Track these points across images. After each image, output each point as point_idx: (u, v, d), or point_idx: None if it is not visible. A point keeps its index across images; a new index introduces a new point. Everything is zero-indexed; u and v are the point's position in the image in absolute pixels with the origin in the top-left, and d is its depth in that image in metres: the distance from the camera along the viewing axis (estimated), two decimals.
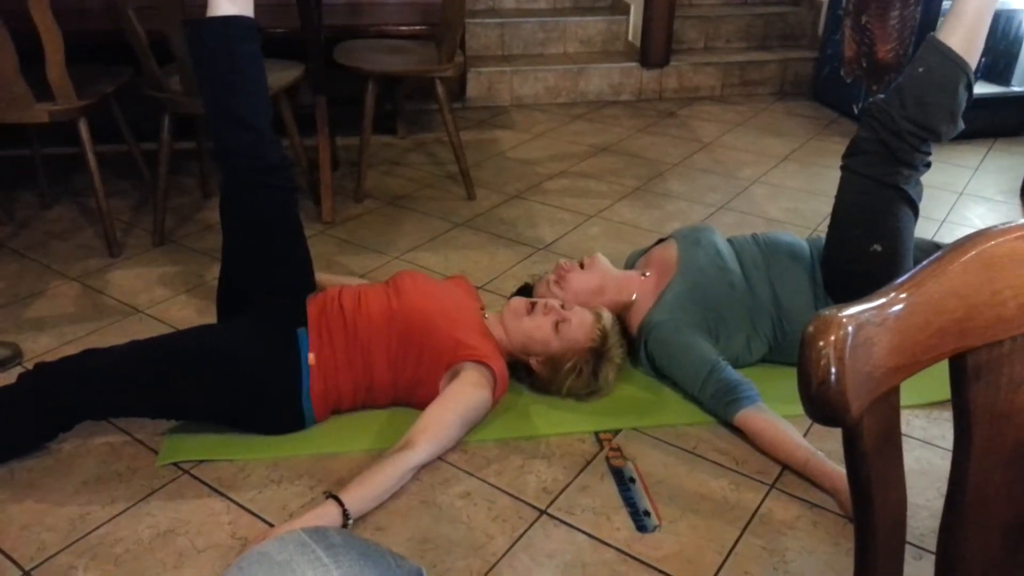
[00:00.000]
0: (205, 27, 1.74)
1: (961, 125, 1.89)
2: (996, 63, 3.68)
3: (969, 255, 0.68)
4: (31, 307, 2.21)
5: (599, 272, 2.00)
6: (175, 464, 1.66)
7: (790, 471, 1.66)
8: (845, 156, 1.95)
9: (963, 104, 1.86)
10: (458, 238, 2.66)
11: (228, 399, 1.67)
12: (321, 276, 2.31)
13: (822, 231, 2.71)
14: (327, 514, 1.43)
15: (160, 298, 2.26)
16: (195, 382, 1.65)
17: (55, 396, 1.62)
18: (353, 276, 2.38)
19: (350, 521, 1.45)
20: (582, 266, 2.00)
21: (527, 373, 1.87)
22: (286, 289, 1.82)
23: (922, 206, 2.90)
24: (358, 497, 1.48)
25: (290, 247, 1.85)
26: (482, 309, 1.94)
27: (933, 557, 1.46)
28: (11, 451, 1.66)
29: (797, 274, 1.95)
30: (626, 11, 4.17)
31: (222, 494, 1.59)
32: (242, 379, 1.66)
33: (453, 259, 2.51)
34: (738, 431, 1.75)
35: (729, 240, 2.08)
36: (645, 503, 1.58)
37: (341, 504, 1.44)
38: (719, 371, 1.77)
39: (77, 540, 1.48)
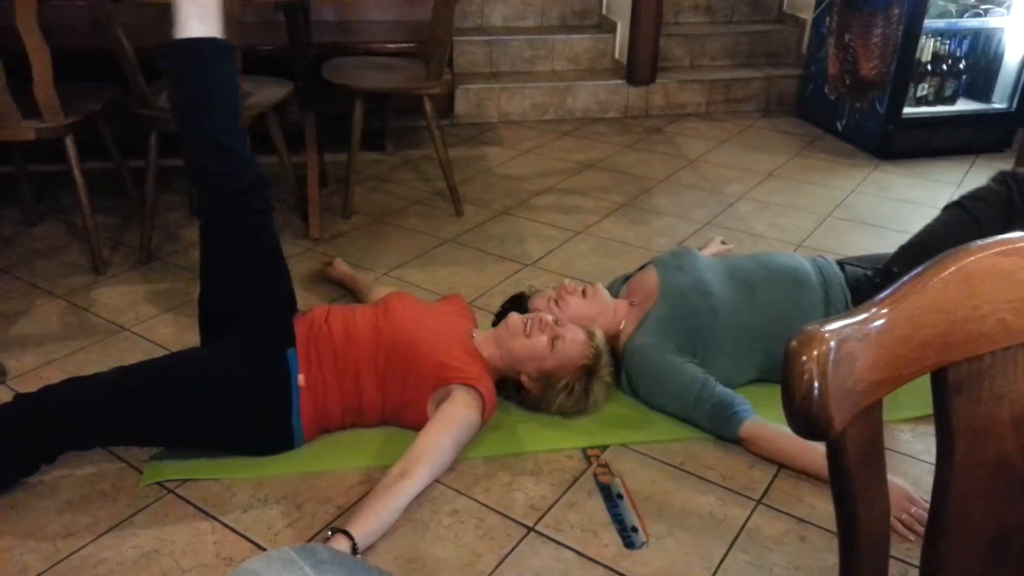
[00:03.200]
0: (177, 49, 1.73)
1: None
2: (976, 80, 3.73)
3: (949, 270, 0.69)
4: (16, 325, 2.19)
5: (599, 303, 1.99)
6: (159, 484, 1.65)
7: (797, 476, 1.67)
8: (967, 198, 2.02)
9: None
10: (446, 254, 2.66)
11: (219, 424, 1.66)
12: (340, 266, 2.45)
13: (807, 246, 2.74)
14: (339, 548, 1.42)
15: (146, 316, 2.25)
16: (184, 409, 1.63)
17: (38, 430, 1.57)
18: (368, 275, 2.42)
19: (359, 555, 1.44)
20: (584, 293, 2.00)
21: (516, 390, 1.86)
22: (268, 310, 1.82)
23: (904, 222, 2.95)
24: (367, 530, 1.46)
25: (269, 268, 1.85)
26: (474, 328, 1.94)
27: (918, 572, 1.47)
28: None
29: (801, 298, 1.94)
30: (612, 29, 4.21)
31: (207, 514, 1.58)
32: (233, 403, 1.65)
33: (441, 275, 2.52)
34: (733, 446, 1.76)
35: (727, 260, 2.07)
36: (633, 519, 1.58)
37: (351, 538, 1.43)
38: (711, 388, 1.78)
39: (60, 561, 1.46)
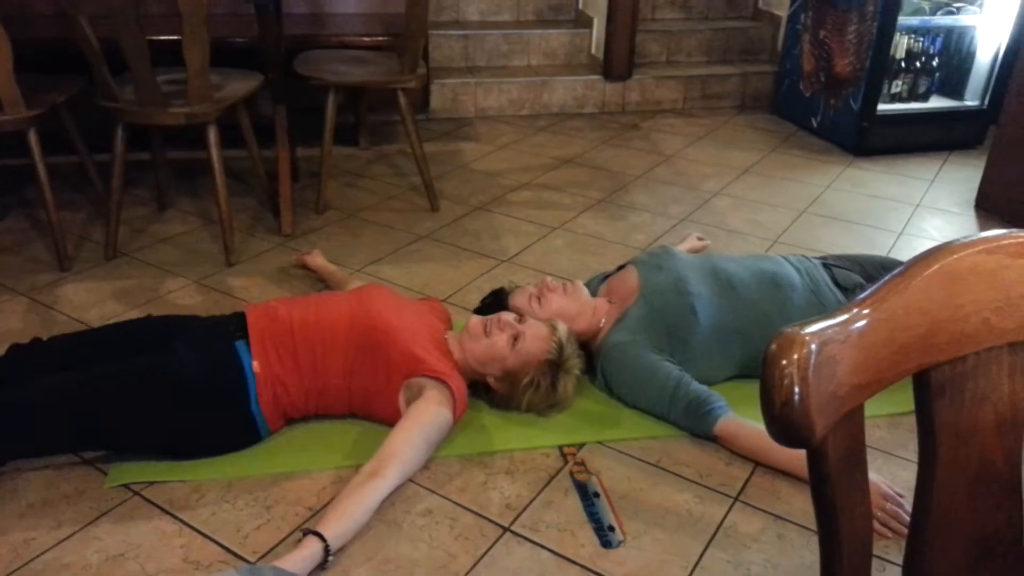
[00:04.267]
0: None
1: None
2: (950, 77, 3.76)
3: (932, 269, 0.67)
4: None
5: (580, 300, 1.98)
6: (125, 486, 1.60)
7: (773, 473, 1.67)
8: None
9: None
10: (421, 250, 2.63)
11: (179, 425, 1.62)
12: (317, 258, 2.40)
13: (783, 242, 2.74)
14: (310, 551, 1.39)
15: (112, 313, 2.19)
16: (142, 415, 1.60)
17: None
18: (344, 270, 2.39)
19: (331, 557, 1.41)
20: (565, 290, 1.98)
21: (486, 391, 1.84)
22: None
23: (879, 218, 2.97)
24: (338, 531, 1.43)
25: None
26: (447, 331, 1.92)
27: (898, 569, 1.46)
28: None
29: (783, 299, 1.93)
30: (589, 24, 4.19)
31: (174, 516, 1.54)
32: (189, 401, 1.61)
33: (416, 272, 2.48)
34: (710, 443, 1.75)
35: (708, 259, 2.06)
36: (609, 518, 1.56)
37: (323, 539, 1.40)
38: (686, 385, 1.77)
39: (21, 566, 1.42)
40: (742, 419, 1.73)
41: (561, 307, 1.93)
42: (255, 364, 1.66)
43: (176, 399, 1.61)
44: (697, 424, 1.75)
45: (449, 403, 1.67)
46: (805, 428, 0.60)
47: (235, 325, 1.73)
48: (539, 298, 1.95)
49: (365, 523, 1.50)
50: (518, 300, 1.97)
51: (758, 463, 1.71)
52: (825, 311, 1.93)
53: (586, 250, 2.66)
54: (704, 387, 1.78)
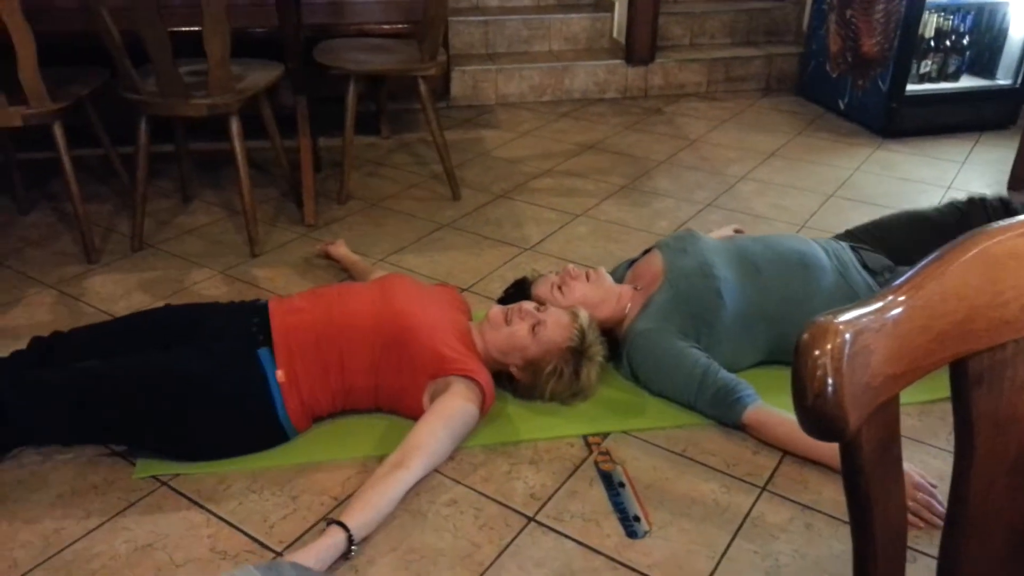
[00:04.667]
0: None
1: None
2: (980, 56, 3.67)
3: (970, 254, 0.65)
4: (7, 315, 2.16)
5: (603, 287, 1.96)
6: (153, 476, 1.62)
7: (801, 462, 1.65)
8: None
9: None
10: (443, 239, 2.62)
11: (208, 433, 1.63)
12: (341, 247, 2.38)
13: (810, 226, 2.70)
14: (334, 542, 1.39)
15: (139, 304, 2.21)
16: (167, 420, 1.60)
17: (11, 421, 1.56)
18: (365, 260, 2.38)
19: (355, 547, 1.41)
20: (588, 278, 1.97)
21: (509, 381, 1.83)
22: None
23: (909, 201, 2.91)
24: (362, 521, 1.43)
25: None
26: (468, 321, 1.90)
27: (926, 559, 1.44)
28: None
29: (810, 280, 1.89)
30: (610, 8, 4.14)
31: (201, 506, 1.55)
32: (217, 411, 1.61)
33: (439, 260, 2.48)
34: (737, 432, 1.73)
35: (733, 242, 2.03)
36: (635, 508, 1.55)
37: (346, 529, 1.40)
38: (714, 373, 1.75)
39: (51, 556, 1.44)
40: (771, 407, 1.71)
41: (584, 295, 1.92)
42: (279, 374, 1.65)
43: (202, 407, 1.61)
44: (725, 413, 1.73)
45: (476, 398, 1.66)
46: (839, 420, 0.58)
47: (258, 327, 1.71)
48: (561, 287, 1.94)
49: (389, 513, 1.50)
50: (540, 289, 1.96)
51: (787, 452, 1.68)
52: (854, 294, 1.92)
53: (609, 237, 2.64)
54: (732, 375, 1.76)
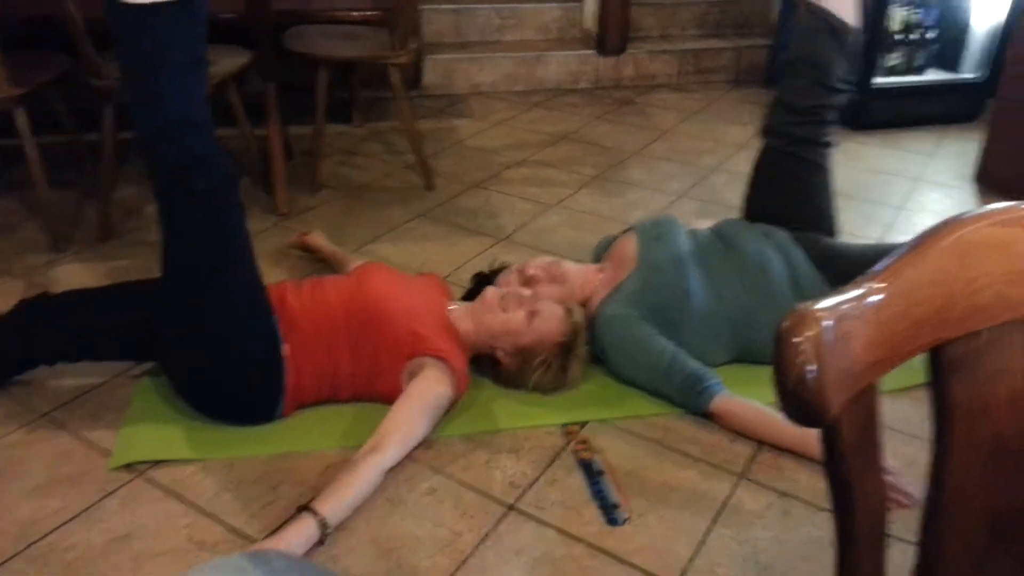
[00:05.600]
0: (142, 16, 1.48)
1: None
2: (946, 50, 3.74)
3: (946, 242, 0.67)
4: None
5: (566, 284, 1.95)
6: (129, 466, 1.60)
7: (778, 449, 1.68)
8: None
9: None
10: (417, 228, 2.62)
11: (214, 374, 1.63)
12: (317, 238, 2.37)
13: None
14: (305, 528, 1.39)
15: None
16: (188, 329, 1.62)
17: (32, 332, 1.71)
18: (343, 250, 2.36)
19: (329, 531, 1.41)
20: (550, 276, 1.95)
21: (492, 366, 1.84)
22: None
23: (878, 192, 2.96)
24: (335, 506, 1.43)
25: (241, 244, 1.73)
26: (449, 303, 1.90)
27: (902, 545, 1.47)
28: None
29: (768, 282, 1.90)
30: None
31: (179, 496, 1.54)
32: (235, 356, 1.62)
33: (413, 250, 2.47)
34: (707, 420, 1.75)
35: (697, 236, 2.03)
36: (614, 496, 1.57)
37: (317, 515, 1.40)
38: (680, 361, 1.77)
39: (28, 547, 1.42)
40: (739, 397, 1.73)
41: (550, 296, 1.89)
42: (286, 348, 1.65)
43: (220, 351, 1.61)
44: (692, 401, 1.75)
45: (449, 381, 1.67)
46: (819, 406, 0.59)
47: (268, 298, 1.70)
48: (526, 284, 1.91)
49: (364, 498, 1.50)
50: (507, 280, 1.96)
51: (755, 440, 1.71)
52: (804, 294, 1.92)
53: (583, 227, 2.65)
54: (700, 364, 1.78)
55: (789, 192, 2.12)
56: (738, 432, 1.72)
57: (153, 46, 1.49)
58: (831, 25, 2.00)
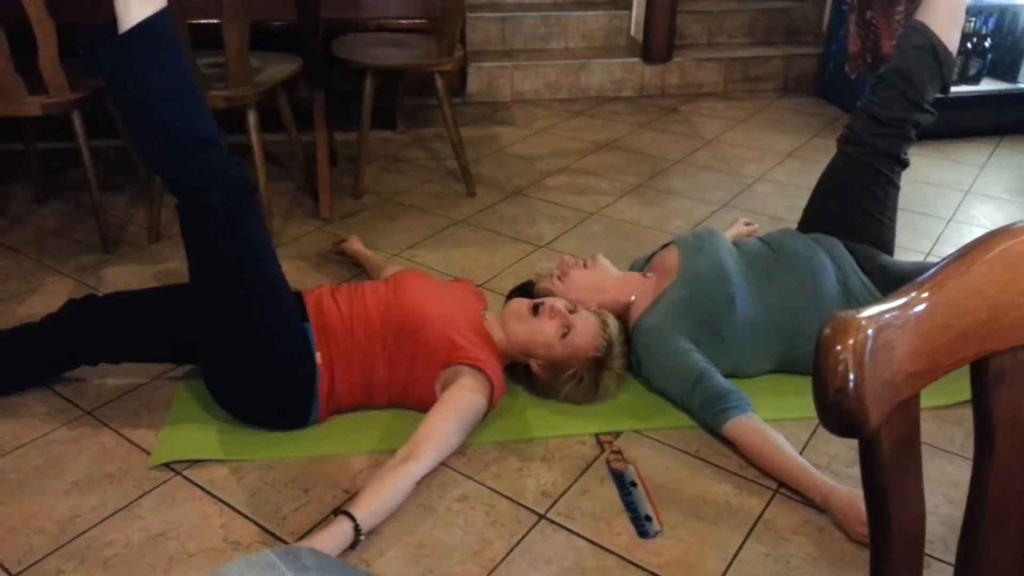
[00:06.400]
0: (127, 45, 1.48)
1: None
2: (1002, 59, 3.64)
3: (993, 252, 0.64)
4: (25, 303, 2.17)
5: (601, 272, 1.97)
6: (167, 465, 1.63)
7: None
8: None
9: None
10: (458, 235, 2.62)
11: (249, 383, 1.65)
12: (355, 243, 2.41)
13: None
14: (340, 531, 1.39)
15: None
16: (222, 340, 1.64)
17: (80, 334, 1.74)
18: (381, 255, 2.39)
19: (362, 537, 1.41)
20: (585, 265, 1.97)
21: (526, 375, 1.83)
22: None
23: (928, 204, 2.89)
24: (369, 512, 1.44)
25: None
26: (485, 310, 1.90)
27: (941, 565, 1.42)
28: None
29: (818, 288, 1.87)
30: (628, 6, 4.13)
31: (215, 496, 1.56)
32: (268, 364, 1.64)
33: (453, 257, 2.48)
34: (728, 443, 1.70)
35: (737, 244, 2.01)
36: (646, 508, 1.54)
37: (353, 519, 1.41)
38: (707, 379, 1.72)
39: (66, 543, 1.45)
40: (757, 424, 1.65)
41: (583, 281, 1.91)
42: (318, 356, 1.67)
43: (254, 359, 1.64)
44: (709, 420, 1.70)
45: (484, 390, 1.66)
46: (859, 417, 0.57)
47: (300, 306, 1.73)
48: (560, 277, 1.93)
49: (397, 505, 1.50)
50: (544, 284, 1.96)
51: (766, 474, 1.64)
52: (856, 302, 1.88)
53: (624, 236, 2.63)
54: (728, 384, 1.71)
55: (856, 202, 2.09)
56: (748, 461, 1.66)
57: (137, 83, 1.51)
58: (935, 47, 2.03)
